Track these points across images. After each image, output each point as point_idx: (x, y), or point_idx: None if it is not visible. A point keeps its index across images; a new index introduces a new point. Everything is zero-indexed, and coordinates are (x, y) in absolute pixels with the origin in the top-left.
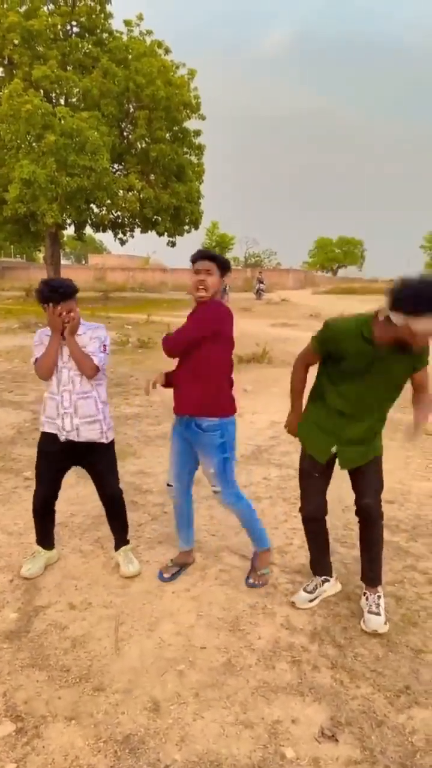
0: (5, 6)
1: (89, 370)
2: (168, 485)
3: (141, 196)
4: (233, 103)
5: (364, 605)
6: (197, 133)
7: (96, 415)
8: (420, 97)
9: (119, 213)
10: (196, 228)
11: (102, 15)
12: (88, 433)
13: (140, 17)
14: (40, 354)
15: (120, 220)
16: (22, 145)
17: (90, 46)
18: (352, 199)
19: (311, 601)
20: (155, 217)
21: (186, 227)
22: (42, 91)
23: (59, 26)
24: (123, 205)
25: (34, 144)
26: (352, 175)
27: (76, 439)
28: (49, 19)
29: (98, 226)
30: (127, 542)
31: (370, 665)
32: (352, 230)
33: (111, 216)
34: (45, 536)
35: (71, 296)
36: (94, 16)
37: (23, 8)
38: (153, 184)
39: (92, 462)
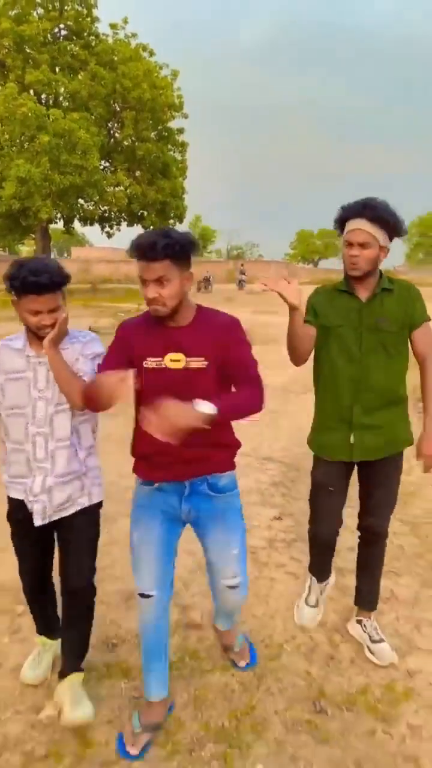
0: None
1: (79, 399)
2: (143, 596)
3: (128, 192)
4: (215, 94)
5: (361, 636)
6: (180, 131)
7: (77, 471)
8: (405, 85)
9: (107, 208)
10: (181, 222)
11: (89, 19)
12: (62, 495)
13: (125, 21)
14: None
15: (108, 215)
16: (18, 146)
17: (78, 49)
18: (333, 192)
19: (318, 616)
20: (141, 211)
21: (171, 221)
22: (33, 92)
23: (48, 30)
24: (112, 200)
25: (27, 144)
26: (333, 167)
27: (48, 511)
28: (40, 24)
29: (86, 221)
30: (80, 669)
31: None
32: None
33: (99, 211)
34: (47, 622)
35: (59, 287)
36: (81, 20)
37: (13, 12)
38: (140, 180)
39: (63, 533)
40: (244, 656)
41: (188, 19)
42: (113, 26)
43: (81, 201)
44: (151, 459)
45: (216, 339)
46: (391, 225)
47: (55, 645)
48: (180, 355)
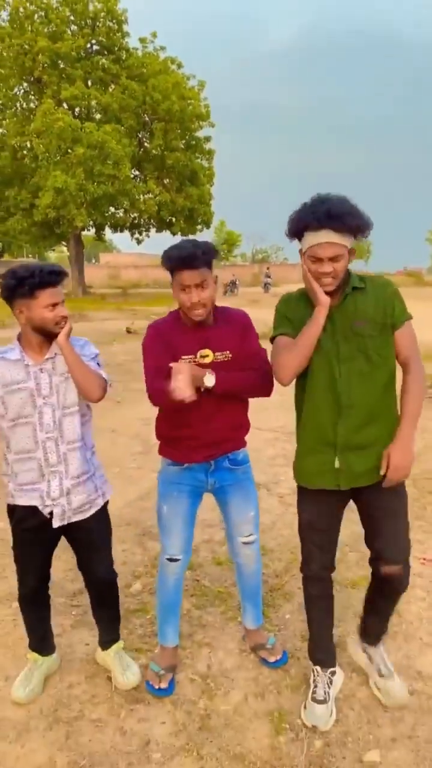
0: (29, 28)
1: (98, 390)
2: (170, 560)
3: (158, 199)
4: (241, 98)
5: (367, 666)
6: (207, 139)
7: (88, 471)
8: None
9: (137, 215)
10: (208, 227)
11: (119, 34)
12: (81, 498)
13: (154, 35)
14: None
15: (138, 222)
16: (54, 158)
17: (109, 63)
18: (359, 193)
19: (331, 714)
20: (170, 218)
21: (198, 227)
22: (67, 106)
23: (82, 47)
24: (142, 208)
25: (63, 156)
26: (360, 169)
27: (67, 513)
28: (74, 42)
29: (117, 227)
30: (119, 638)
31: None
32: None
33: (130, 218)
34: (42, 636)
35: (59, 282)
36: (112, 35)
37: (47, 29)
38: (169, 188)
39: (81, 533)
40: (275, 653)
41: (213, 20)
42: (142, 40)
43: (112, 209)
44: (180, 443)
45: (235, 334)
46: (359, 228)
47: (48, 661)
48: (208, 351)
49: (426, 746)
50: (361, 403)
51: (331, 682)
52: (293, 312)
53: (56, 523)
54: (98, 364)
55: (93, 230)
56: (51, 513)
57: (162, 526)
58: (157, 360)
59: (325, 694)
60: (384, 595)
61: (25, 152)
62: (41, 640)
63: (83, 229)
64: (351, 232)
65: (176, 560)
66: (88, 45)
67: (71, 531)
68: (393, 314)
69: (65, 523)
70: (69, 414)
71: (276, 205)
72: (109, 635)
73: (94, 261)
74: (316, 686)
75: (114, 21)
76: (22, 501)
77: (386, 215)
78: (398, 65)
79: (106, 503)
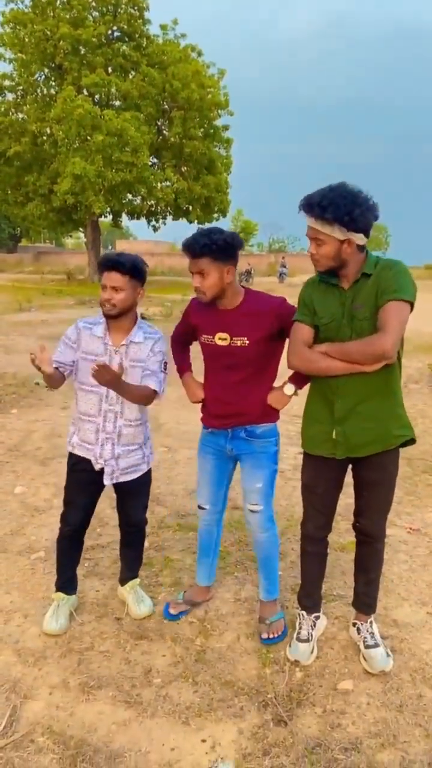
0: (51, 14)
1: (146, 402)
2: (200, 508)
3: (175, 187)
4: (262, 87)
5: (356, 638)
6: (226, 128)
7: (139, 442)
8: None
9: (155, 203)
10: (224, 216)
11: (140, 21)
12: (129, 461)
13: (175, 22)
14: (61, 358)
15: (155, 209)
16: (74, 144)
17: (129, 50)
18: (378, 185)
19: (313, 651)
20: (187, 206)
21: (215, 215)
22: (87, 93)
23: (103, 34)
24: (159, 196)
25: (83, 143)
26: (384, 160)
27: (115, 473)
28: (95, 29)
29: (134, 215)
30: (137, 576)
31: None
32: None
33: (147, 205)
34: (70, 577)
35: (114, 268)
36: (133, 22)
37: (69, 15)
38: (186, 176)
39: (124, 486)
40: (272, 630)
41: (233, 3)
42: (163, 27)
43: (130, 196)
44: (204, 408)
45: (259, 322)
46: (343, 220)
47: (71, 599)
48: (226, 335)
49: (394, 678)
50: (357, 382)
51: (314, 625)
52: (310, 297)
53: (107, 481)
54: (164, 365)
55: (110, 217)
56: (102, 470)
57: (197, 479)
58: (178, 330)
59: (308, 634)
60: (362, 544)
61: (44, 138)
62: (69, 580)
63: (101, 216)
64: (329, 222)
65: (203, 509)
66: (110, 32)
67: (117, 483)
68: (385, 290)
69: (114, 482)
70: None
71: (296, 195)
72: (129, 572)
73: (110, 248)
74: (300, 628)
75: (135, 8)
76: (79, 452)
77: (411, 208)
78: (426, 53)
79: (150, 469)
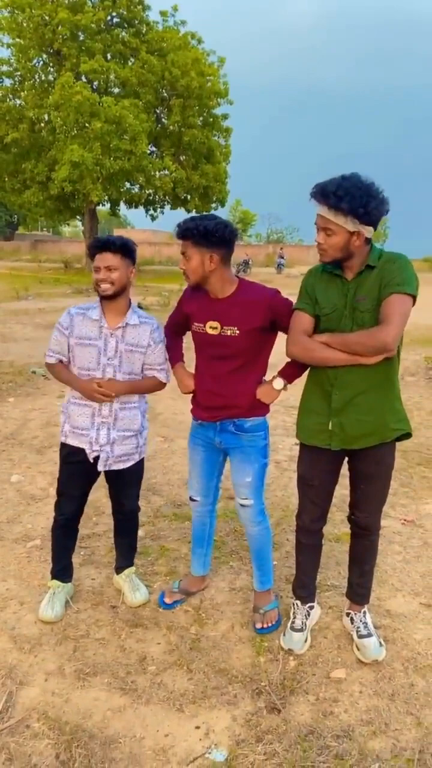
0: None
1: (155, 390)
2: (192, 500)
3: (174, 176)
4: (262, 76)
5: (349, 628)
6: (225, 117)
7: (135, 429)
8: None
9: (153, 191)
10: (223, 206)
11: (140, 6)
12: (123, 448)
13: (175, 8)
14: (60, 347)
15: (153, 198)
16: (72, 131)
17: (129, 36)
18: (376, 176)
19: (306, 641)
20: (185, 195)
21: (213, 205)
22: (86, 79)
23: (103, 19)
24: (158, 184)
25: (81, 130)
26: (384, 151)
27: (109, 461)
28: (95, 15)
29: (132, 203)
30: (132, 564)
31: None
32: None
33: (145, 194)
34: (66, 565)
35: (107, 249)
36: (133, 8)
37: (68, 0)
38: (185, 165)
39: (117, 475)
40: (266, 620)
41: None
42: (163, 14)
43: (128, 184)
44: (193, 400)
45: (251, 312)
46: (358, 212)
47: (66, 587)
48: (216, 323)
49: (387, 667)
50: (356, 374)
51: (308, 615)
52: (312, 286)
53: (100, 467)
54: (166, 354)
55: (108, 205)
56: (96, 458)
57: (188, 471)
58: (172, 317)
59: (302, 624)
60: (357, 536)
61: (42, 125)
62: (64, 568)
63: (98, 204)
64: (343, 213)
65: (195, 500)
66: (109, 18)
67: (109, 472)
68: (388, 284)
69: (107, 469)
70: (128, 379)
71: (296, 186)
72: (125, 561)
73: None
74: (294, 617)
75: None
76: (72, 441)
77: (411, 200)
78: (427, 44)
79: (143, 459)
